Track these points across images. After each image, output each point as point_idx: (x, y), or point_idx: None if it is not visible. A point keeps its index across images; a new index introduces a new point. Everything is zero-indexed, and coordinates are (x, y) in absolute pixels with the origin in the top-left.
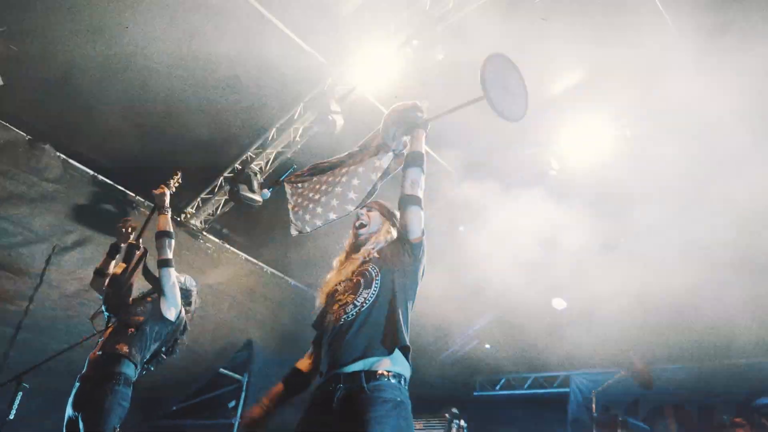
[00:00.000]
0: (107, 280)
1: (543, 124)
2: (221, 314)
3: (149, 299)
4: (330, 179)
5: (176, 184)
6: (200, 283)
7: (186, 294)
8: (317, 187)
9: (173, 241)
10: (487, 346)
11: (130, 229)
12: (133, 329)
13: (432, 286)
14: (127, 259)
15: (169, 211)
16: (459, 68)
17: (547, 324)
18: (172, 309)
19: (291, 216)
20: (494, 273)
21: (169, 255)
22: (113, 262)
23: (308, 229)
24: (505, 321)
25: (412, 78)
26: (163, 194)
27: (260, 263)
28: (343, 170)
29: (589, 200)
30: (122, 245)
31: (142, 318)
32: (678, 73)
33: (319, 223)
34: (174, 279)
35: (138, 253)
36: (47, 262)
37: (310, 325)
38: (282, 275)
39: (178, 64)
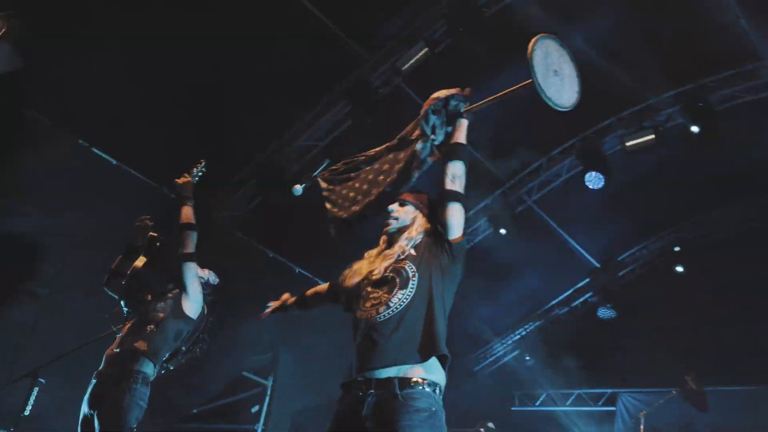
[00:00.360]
0: (127, 275)
1: None
2: (245, 314)
3: (170, 295)
4: (368, 176)
5: (200, 173)
6: (224, 280)
7: (209, 290)
8: (354, 184)
9: (196, 235)
10: (528, 357)
11: (147, 228)
12: (152, 326)
13: (470, 290)
14: (148, 252)
15: (192, 202)
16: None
17: (594, 336)
18: (193, 306)
19: (329, 216)
20: (539, 278)
21: (192, 249)
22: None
23: (347, 229)
24: (549, 331)
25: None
26: (186, 184)
27: (289, 262)
28: (384, 167)
29: None
30: (139, 245)
31: (162, 314)
32: None
33: (357, 222)
34: (196, 274)
35: (158, 245)
36: (66, 254)
37: (332, 287)
38: (311, 276)
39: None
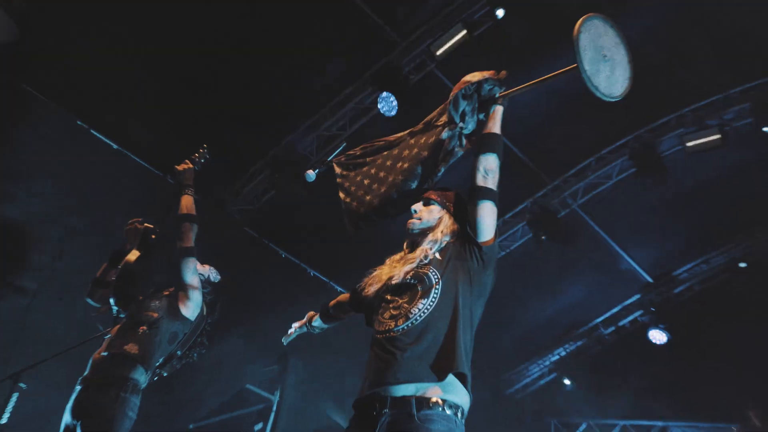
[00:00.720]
0: (119, 269)
1: None
2: (252, 319)
3: (165, 293)
4: (386, 163)
5: (203, 160)
6: (230, 279)
7: (209, 289)
8: (371, 170)
9: (197, 227)
10: (567, 381)
11: (138, 232)
12: (145, 327)
13: (504, 301)
14: (142, 246)
15: (193, 190)
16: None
17: (644, 360)
18: (191, 305)
19: (344, 209)
20: (582, 293)
21: (192, 242)
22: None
23: (364, 226)
24: (592, 352)
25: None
26: (187, 170)
27: (303, 264)
28: (404, 152)
29: None
30: (128, 251)
31: (156, 314)
32: None
33: (375, 218)
34: (196, 271)
35: (153, 237)
36: (57, 249)
37: (353, 297)
38: (327, 280)
39: None
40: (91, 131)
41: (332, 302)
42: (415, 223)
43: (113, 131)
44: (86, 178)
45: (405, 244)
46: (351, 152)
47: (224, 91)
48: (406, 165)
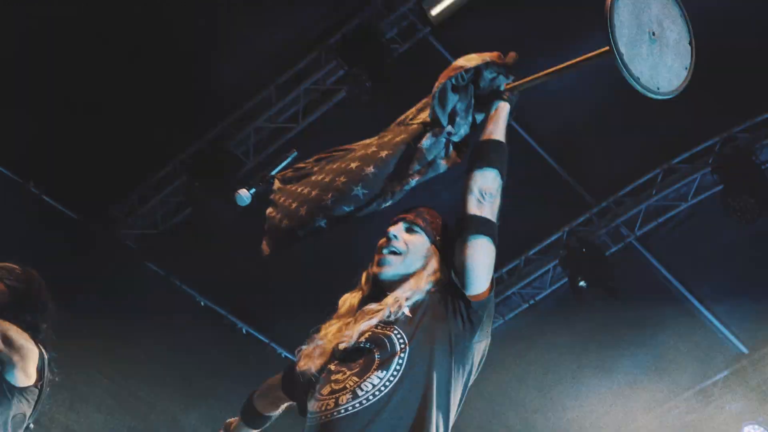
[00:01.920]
0: None
1: None
2: (156, 397)
3: None
4: (333, 166)
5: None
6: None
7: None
8: (313, 179)
9: None
10: None
11: None
12: None
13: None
14: None
15: None
16: None
17: None
18: (21, 372)
19: (266, 228)
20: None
21: None
22: None
23: (285, 245)
24: None
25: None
26: None
27: (231, 316)
28: (357, 153)
29: None
30: None
31: None
32: None
33: (300, 233)
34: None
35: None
36: None
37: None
38: (268, 341)
39: None
40: None
41: (257, 391)
42: (391, 261)
43: None
44: None
45: (363, 279)
46: (302, 164)
47: (111, 60)
48: (354, 165)
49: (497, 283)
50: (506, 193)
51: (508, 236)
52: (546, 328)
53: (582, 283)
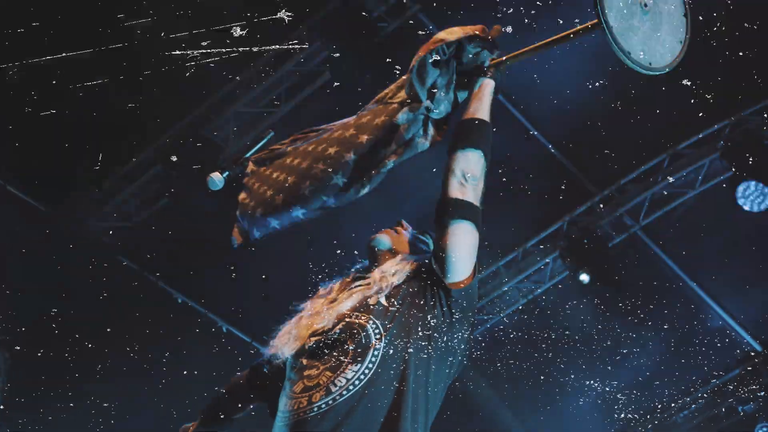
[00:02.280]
0: None
1: None
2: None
3: None
4: (309, 148)
5: None
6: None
7: None
8: (288, 161)
9: None
10: None
11: None
12: None
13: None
14: None
15: None
16: None
17: None
18: None
19: (238, 212)
20: (648, 363)
21: None
22: None
23: (257, 235)
24: None
25: None
26: None
27: (211, 314)
28: (334, 135)
29: None
30: None
31: None
32: None
33: (274, 223)
34: None
35: None
36: None
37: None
38: (250, 340)
39: None
40: None
41: (227, 387)
42: (383, 240)
43: None
44: None
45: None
46: (277, 146)
47: (79, 42)
48: (333, 150)
49: (493, 277)
50: (501, 179)
51: (503, 226)
52: (545, 325)
53: (584, 276)
